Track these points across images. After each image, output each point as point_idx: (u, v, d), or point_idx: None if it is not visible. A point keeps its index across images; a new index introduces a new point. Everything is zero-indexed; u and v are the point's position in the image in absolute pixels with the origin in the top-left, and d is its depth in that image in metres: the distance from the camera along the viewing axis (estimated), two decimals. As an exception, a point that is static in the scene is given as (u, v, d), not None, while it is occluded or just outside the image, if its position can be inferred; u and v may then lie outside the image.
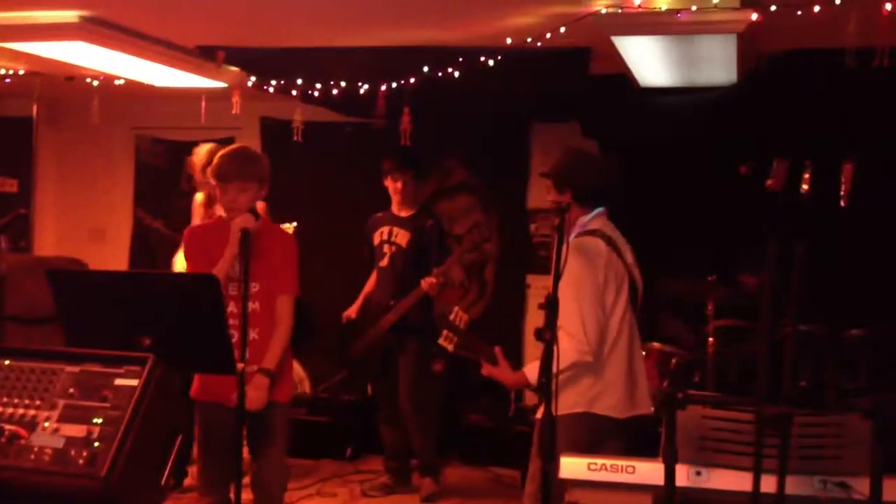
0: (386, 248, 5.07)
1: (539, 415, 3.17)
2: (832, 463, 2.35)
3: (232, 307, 3.25)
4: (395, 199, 5.11)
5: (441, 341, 3.27)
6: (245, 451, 3.41)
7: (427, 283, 4.83)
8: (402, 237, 5.04)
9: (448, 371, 5.75)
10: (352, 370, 5.27)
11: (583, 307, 3.07)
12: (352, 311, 5.12)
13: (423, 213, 5.16)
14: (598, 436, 3.11)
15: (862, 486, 2.26)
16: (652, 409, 3.27)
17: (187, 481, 4.81)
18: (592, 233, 3.23)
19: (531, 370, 3.15)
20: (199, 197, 4.79)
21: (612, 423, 3.15)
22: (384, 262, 5.06)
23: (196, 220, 4.83)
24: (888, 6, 3.45)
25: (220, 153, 3.37)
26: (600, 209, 3.30)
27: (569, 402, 3.11)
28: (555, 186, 3.30)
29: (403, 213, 5.10)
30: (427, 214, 5.17)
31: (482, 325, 6.16)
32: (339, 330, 5.09)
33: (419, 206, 5.21)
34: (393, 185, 5.07)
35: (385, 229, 5.11)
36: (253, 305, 3.25)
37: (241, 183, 3.27)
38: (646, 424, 3.25)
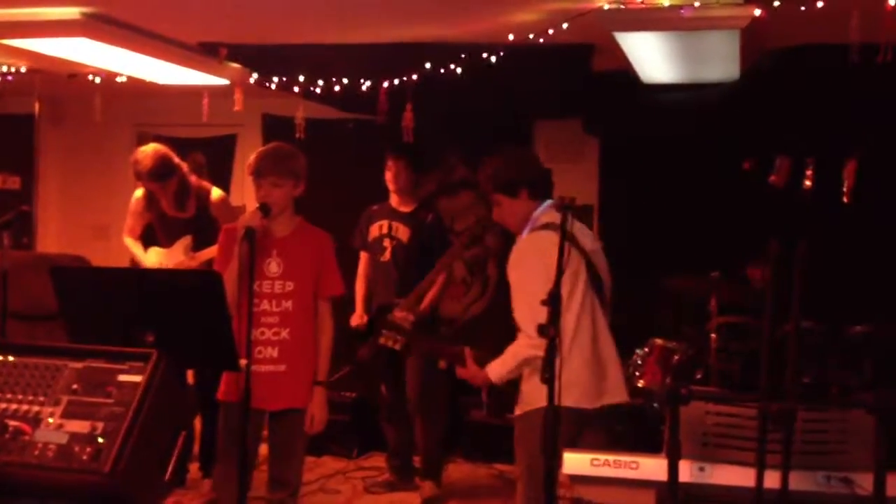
0: (386, 242, 4.99)
1: (517, 413, 3.19)
2: (835, 458, 2.35)
3: (266, 305, 3.27)
4: (391, 189, 5.03)
5: (382, 340, 3.28)
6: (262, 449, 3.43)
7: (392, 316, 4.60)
8: (402, 232, 4.98)
9: (450, 368, 5.74)
10: (362, 373, 5.23)
11: (533, 303, 3.03)
12: (362, 318, 5.02)
13: (422, 208, 5.08)
14: (571, 428, 3.10)
15: (865, 482, 2.27)
16: (626, 397, 3.24)
17: (189, 478, 4.83)
18: (545, 226, 3.19)
19: (492, 368, 3.17)
20: (140, 192, 4.73)
21: (582, 414, 3.12)
22: (385, 257, 4.99)
23: (135, 216, 4.75)
24: (892, 1, 3.45)
25: (257, 151, 3.39)
26: (549, 201, 3.26)
27: (535, 398, 3.07)
28: (505, 193, 3.22)
29: (403, 208, 5.03)
30: (427, 209, 5.12)
31: (485, 321, 6.16)
32: (346, 331, 5.04)
33: (419, 201, 5.16)
34: (388, 174, 5.00)
35: (384, 223, 5.04)
36: (286, 304, 3.29)
37: (275, 178, 3.29)
38: (619, 412, 3.24)
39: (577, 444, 2.90)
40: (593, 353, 3.18)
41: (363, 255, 5.14)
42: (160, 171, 4.49)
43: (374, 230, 5.03)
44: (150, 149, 4.54)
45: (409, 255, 4.93)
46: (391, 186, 4.99)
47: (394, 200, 5.03)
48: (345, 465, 5.52)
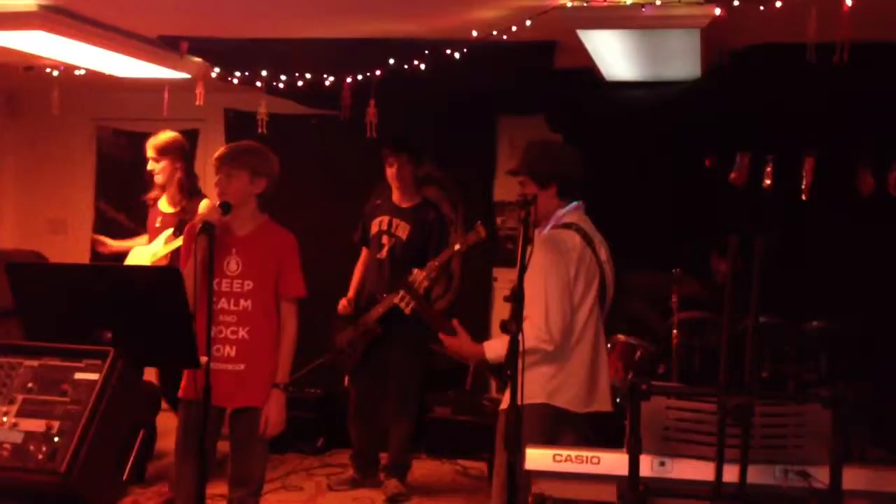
0: (385, 238, 4.95)
1: (503, 406, 3.20)
2: (793, 452, 2.38)
3: (224, 304, 3.23)
4: (393, 186, 5.00)
5: (397, 300, 3.28)
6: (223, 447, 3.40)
7: (414, 275, 4.56)
8: (402, 230, 4.94)
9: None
10: (333, 359, 5.20)
11: (549, 297, 3.08)
12: (350, 306, 4.99)
13: (425, 204, 5.04)
14: (555, 427, 3.13)
15: (822, 475, 2.30)
16: (610, 407, 3.28)
17: (148, 475, 4.79)
18: (568, 226, 3.22)
19: (490, 346, 3.18)
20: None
21: (570, 416, 3.16)
22: (382, 254, 4.95)
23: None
24: (848, 1, 3.50)
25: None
26: (576, 203, 3.29)
27: (528, 392, 3.10)
28: (535, 181, 3.24)
29: (405, 204, 4.98)
30: (429, 206, 5.06)
31: (449, 317, 6.15)
32: (326, 319, 5.00)
33: (423, 197, 5.11)
34: (389, 171, 4.96)
35: (384, 219, 4.99)
36: (245, 303, 3.26)
37: (228, 169, 3.28)
38: (603, 421, 3.27)
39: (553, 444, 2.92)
40: (592, 359, 3.21)
41: (364, 250, 5.12)
42: (160, 146, 4.72)
43: (375, 225, 5.02)
44: (171, 131, 4.83)
45: (406, 252, 4.90)
46: (393, 184, 4.98)
47: (395, 196, 5.02)
48: (308, 462, 5.50)
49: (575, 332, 3.17)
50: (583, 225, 3.25)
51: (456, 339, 3.23)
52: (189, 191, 4.78)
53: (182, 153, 4.81)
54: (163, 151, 4.72)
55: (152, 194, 4.84)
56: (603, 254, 3.30)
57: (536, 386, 3.11)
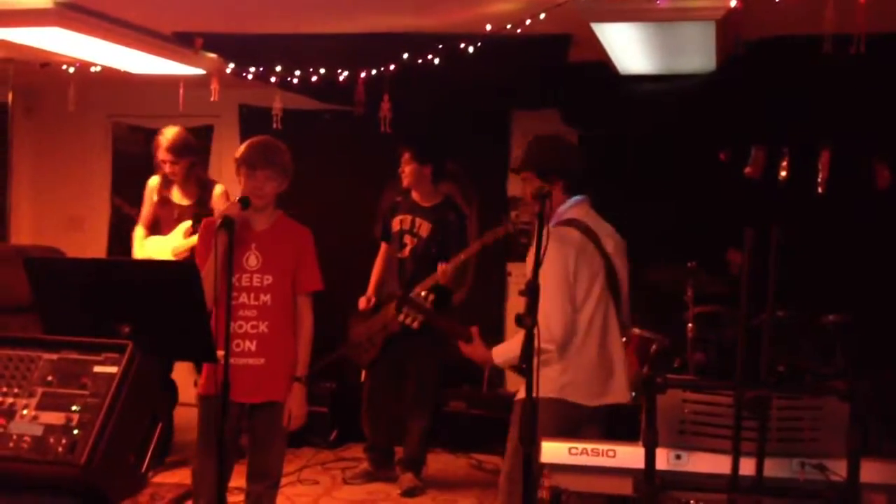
0: (407, 238, 4.96)
1: (519, 397, 3.20)
2: (810, 445, 2.38)
3: (244, 299, 3.25)
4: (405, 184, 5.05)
5: (401, 317, 3.28)
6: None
7: (441, 269, 4.69)
8: (424, 229, 4.94)
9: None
10: (349, 353, 5.21)
11: (548, 298, 3.04)
12: (370, 301, 5.03)
13: (445, 203, 5.04)
14: (572, 422, 3.12)
15: (839, 468, 2.29)
16: (628, 398, 3.28)
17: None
18: (568, 223, 3.21)
19: (498, 351, 3.18)
20: (154, 180, 4.96)
21: (583, 411, 3.16)
22: (404, 254, 4.96)
23: (148, 204, 4.98)
24: (865, -7, 3.47)
25: (247, 141, 3.41)
26: (580, 197, 3.27)
27: (541, 388, 3.11)
28: (540, 177, 3.21)
29: (425, 203, 4.99)
30: (449, 205, 5.06)
31: (464, 312, 6.16)
32: (338, 313, 5.03)
33: (443, 195, 5.10)
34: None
35: (406, 217, 5.00)
36: (265, 298, 3.28)
37: (269, 171, 3.29)
38: (620, 412, 3.27)
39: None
40: (600, 353, 3.19)
41: (384, 245, 5.13)
42: (178, 147, 4.77)
43: (396, 223, 5.02)
44: (176, 127, 4.87)
45: (427, 252, 4.91)
46: (404, 182, 5.02)
47: (414, 194, 5.02)
48: (323, 456, 5.52)
49: (581, 328, 3.15)
50: (585, 220, 3.22)
51: (471, 346, 3.23)
52: (203, 180, 4.88)
53: (195, 147, 4.91)
54: (182, 152, 4.80)
55: (165, 191, 4.92)
56: (609, 246, 3.26)
57: (548, 381, 3.11)
